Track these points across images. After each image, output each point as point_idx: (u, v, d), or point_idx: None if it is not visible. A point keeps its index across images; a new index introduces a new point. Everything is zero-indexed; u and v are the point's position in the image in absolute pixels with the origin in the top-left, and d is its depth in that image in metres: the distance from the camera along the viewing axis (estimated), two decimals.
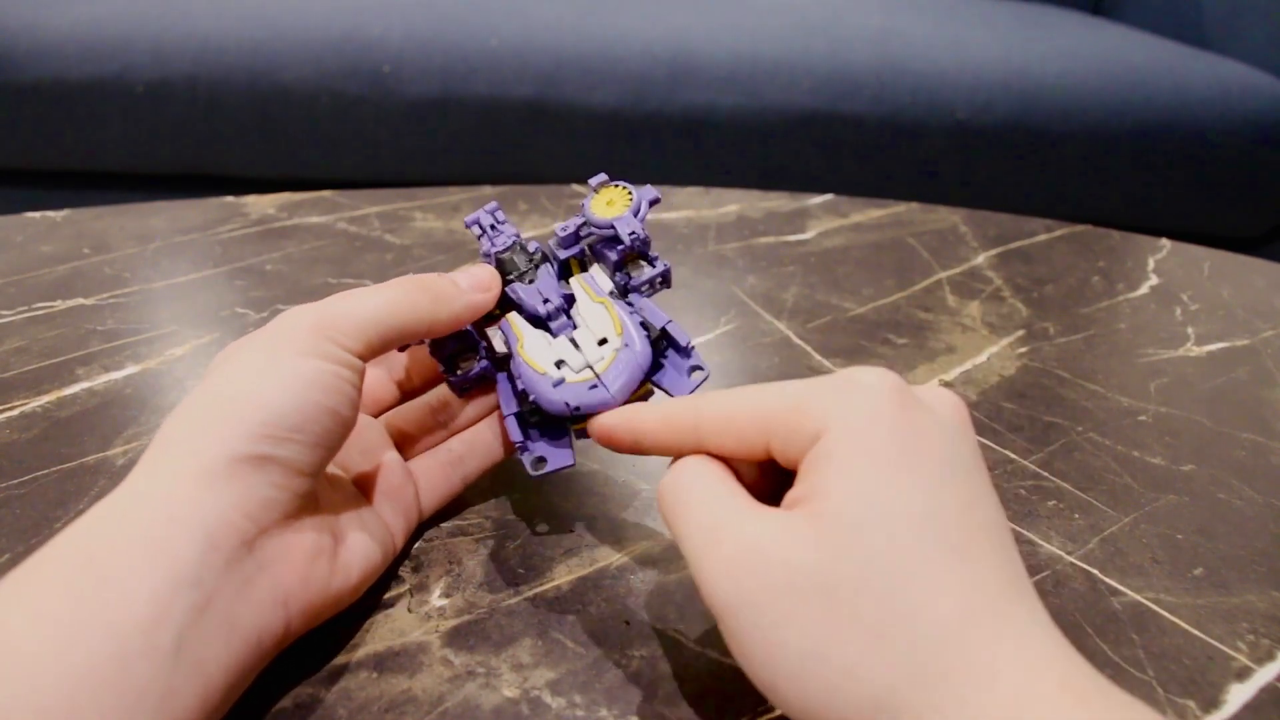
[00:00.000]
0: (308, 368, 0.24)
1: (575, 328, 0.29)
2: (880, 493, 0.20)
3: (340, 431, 0.24)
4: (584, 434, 0.28)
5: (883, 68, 1.04)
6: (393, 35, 1.00)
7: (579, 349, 0.28)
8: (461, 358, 0.30)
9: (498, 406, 0.31)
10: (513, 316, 0.29)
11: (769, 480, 0.24)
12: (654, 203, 0.31)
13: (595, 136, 1.03)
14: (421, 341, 0.30)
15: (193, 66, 0.98)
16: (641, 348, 0.28)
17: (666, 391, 0.29)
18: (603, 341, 0.28)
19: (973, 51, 1.07)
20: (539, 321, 0.29)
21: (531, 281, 0.30)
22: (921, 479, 0.20)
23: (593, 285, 0.30)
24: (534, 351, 0.28)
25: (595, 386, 0.27)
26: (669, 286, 0.31)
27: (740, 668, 0.20)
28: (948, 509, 0.20)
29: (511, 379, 0.29)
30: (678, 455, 0.24)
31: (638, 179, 0.31)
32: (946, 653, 0.18)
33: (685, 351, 0.29)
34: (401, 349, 0.31)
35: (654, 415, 0.24)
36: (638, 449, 0.25)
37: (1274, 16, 1.16)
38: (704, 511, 0.21)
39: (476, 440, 0.31)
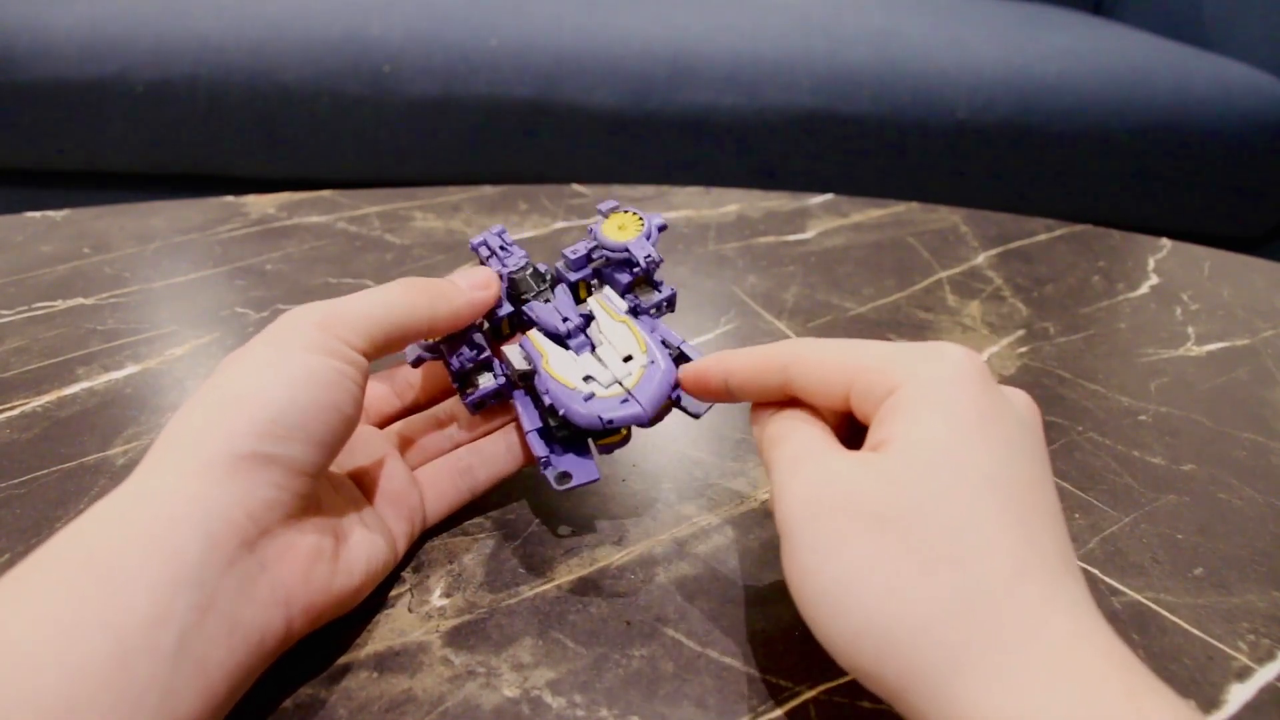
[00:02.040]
0: (311, 364, 0.24)
1: (592, 346, 0.30)
2: (953, 444, 0.20)
3: (343, 429, 0.24)
4: (608, 449, 0.29)
5: (883, 68, 1.04)
6: (393, 35, 1.00)
7: (605, 365, 0.29)
8: (476, 375, 0.30)
9: (509, 420, 0.31)
10: (534, 334, 0.30)
11: (844, 438, 0.25)
12: (662, 229, 0.32)
13: (595, 136, 1.03)
14: (437, 356, 0.30)
15: (193, 66, 0.98)
16: (667, 364, 0.28)
17: (684, 409, 0.29)
18: (627, 358, 0.29)
19: (973, 51, 1.07)
20: (557, 340, 0.30)
21: (547, 301, 0.31)
22: (994, 446, 0.20)
23: (611, 304, 0.31)
24: (560, 368, 0.28)
25: (626, 401, 0.27)
26: (673, 310, 0.32)
27: (791, 597, 0.21)
28: (1014, 480, 0.20)
29: (534, 396, 0.29)
30: (761, 399, 0.26)
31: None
32: (996, 598, 0.18)
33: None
34: (415, 364, 0.31)
35: (745, 356, 0.26)
36: (724, 391, 0.26)
37: (1274, 16, 1.16)
38: (796, 444, 0.23)
39: (486, 451, 0.31)
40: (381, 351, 0.26)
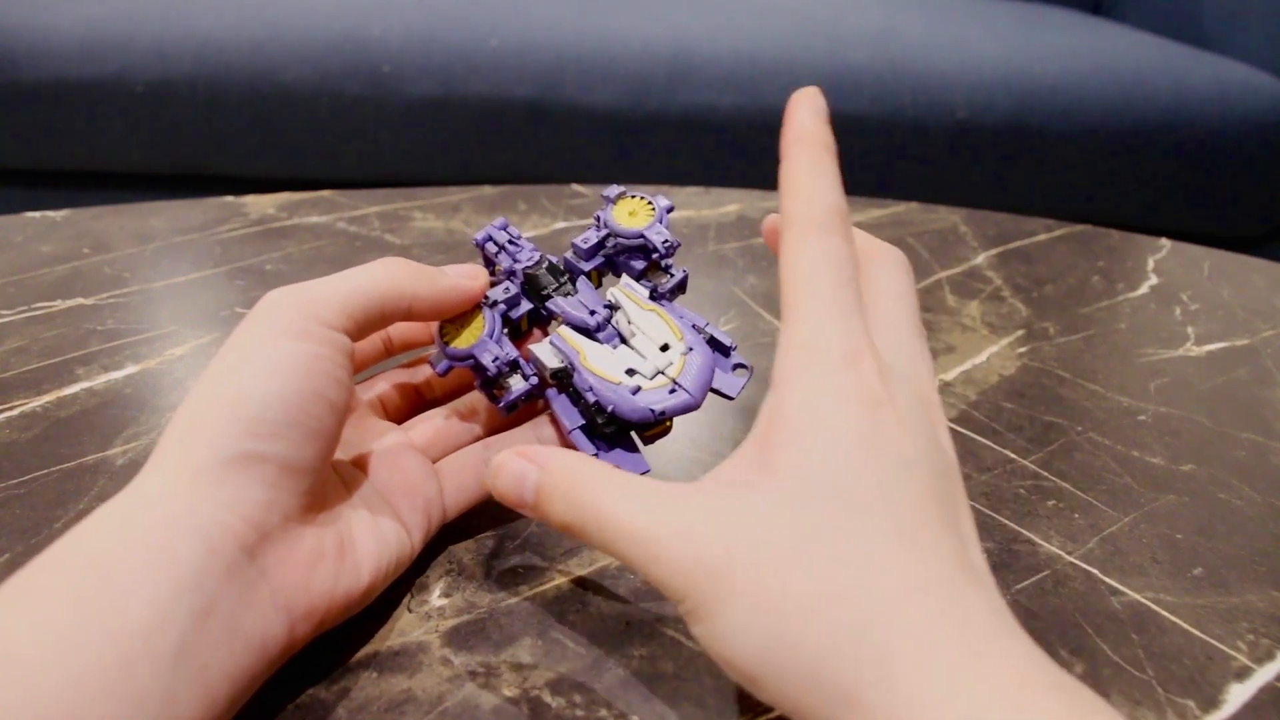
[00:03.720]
0: (287, 353, 0.23)
1: (619, 336, 0.29)
2: (834, 474, 0.19)
3: (331, 417, 0.23)
4: (651, 440, 0.28)
5: (883, 68, 1.04)
6: (393, 35, 1.00)
7: (644, 356, 0.28)
8: (505, 378, 0.29)
9: (536, 413, 0.31)
10: (565, 331, 0.29)
11: None
12: (670, 210, 0.32)
13: (595, 136, 1.03)
14: (464, 363, 0.29)
15: (193, 66, 0.98)
16: (703, 348, 0.28)
17: (719, 393, 0.29)
18: (664, 347, 0.28)
19: (973, 51, 1.07)
20: (585, 333, 0.29)
21: (567, 295, 0.30)
22: (879, 470, 0.19)
23: (636, 293, 0.30)
24: (599, 363, 0.28)
25: (674, 390, 0.27)
26: (684, 292, 0.32)
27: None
28: (902, 500, 0.19)
29: (573, 394, 0.29)
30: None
31: (637, 179, 0.32)
32: (884, 625, 0.18)
33: (726, 351, 0.30)
34: (444, 373, 0.29)
35: (789, 191, 0.23)
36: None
37: (1274, 16, 1.16)
38: (631, 519, 0.21)
39: (515, 442, 0.30)
40: (365, 330, 0.25)
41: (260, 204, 0.58)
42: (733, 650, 0.19)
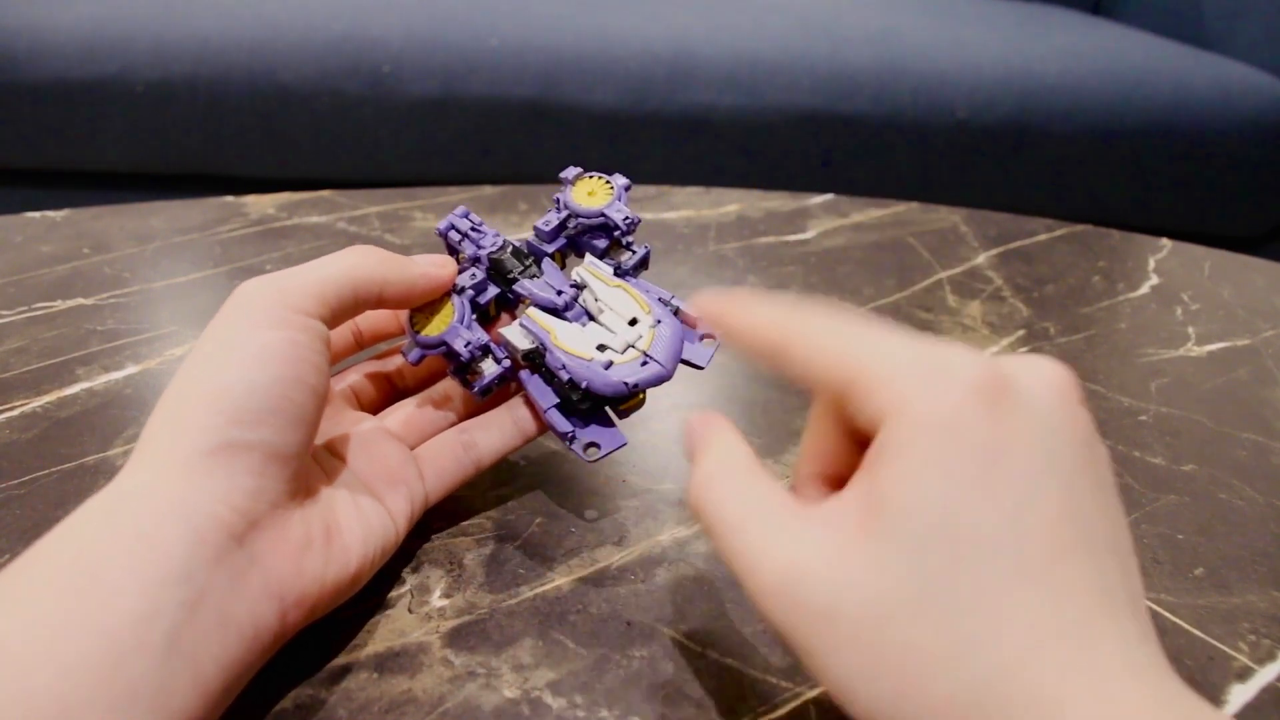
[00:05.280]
0: (266, 341, 0.23)
1: (587, 315, 0.30)
2: (950, 512, 0.17)
3: (311, 403, 0.24)
4: (626, 414, 0.29)
5: (883, 68, 1.04)
6: (393, 35, 1.00)
7: (613, 331, 0.29)
8: (477, 363, 0.29)
9: (509, 396, 0.31)
10: (533, 312, 0.29)
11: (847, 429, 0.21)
12: (628, 188, 0.32)
13: (595, 136, 1.03)
14: (437, 350, 0.29)
15: (193, 66, 0.98)
16: (671, 320, 0.29)
17: (689, 363, 0.29)
18: (632, 321, 0.29)
19: (973, 51, 1.07)
20: (554, 313, 0.30)
21: (533, 277, 0.30)
22: (1003, 497, 0.17)
23: (601, 271, 0.31)
24: (570, 341, 0.28)
25: (646, 363, 0.27)
26: (647, 269, 0.32)
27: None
28: (1030, 530, 0.17)
29: (546, 373, 0.29)
30: (753, 361, 0.23)
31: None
32: (1008, 685, 0.16)
33: (693, 322, 0.30)
34: (417, 362, 0.30)
35: (748, 314, 0.23)
36: (730, 339, 0.24)
37: (1274, 16, 1.16)
38: (742, 530, 0.20)
39: (491, 425, 0.30)
40: (339, 316, 0.26)
41: (260, 204, 0.58)
42: (851, 700, 0.18)
